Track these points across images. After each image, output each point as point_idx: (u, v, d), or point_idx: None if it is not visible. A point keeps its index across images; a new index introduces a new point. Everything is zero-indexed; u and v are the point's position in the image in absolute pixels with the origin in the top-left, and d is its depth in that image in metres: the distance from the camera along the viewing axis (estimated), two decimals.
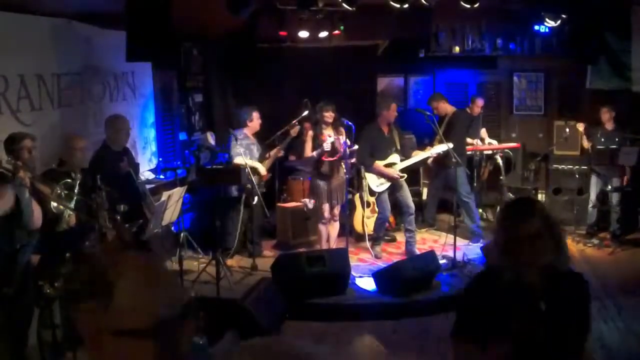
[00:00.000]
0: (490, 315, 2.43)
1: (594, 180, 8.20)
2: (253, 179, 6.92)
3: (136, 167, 6.34)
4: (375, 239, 7.53)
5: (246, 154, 7.07)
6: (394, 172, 7.21)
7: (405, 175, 7.31)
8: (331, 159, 7.00)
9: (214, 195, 7.16)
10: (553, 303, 2.44)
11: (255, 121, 7.29)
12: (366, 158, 7.24)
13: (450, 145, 7.28)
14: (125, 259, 1.26)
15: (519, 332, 2.40)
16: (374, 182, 7.28)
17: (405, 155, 7.36)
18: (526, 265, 2.41)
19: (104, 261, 1.25)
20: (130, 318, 1.16)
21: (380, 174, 7.23)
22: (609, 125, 8.14)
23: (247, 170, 6.83)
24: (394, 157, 7.28)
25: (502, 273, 2.45)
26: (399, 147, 7.35)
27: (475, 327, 2.47)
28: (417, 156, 7.43)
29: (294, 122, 7.57)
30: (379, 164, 7.21)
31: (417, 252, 7.30)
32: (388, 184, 7.25)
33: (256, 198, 7.11)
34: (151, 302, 1.19)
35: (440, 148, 7.40)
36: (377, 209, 8.02)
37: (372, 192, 7.32)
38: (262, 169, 7.22)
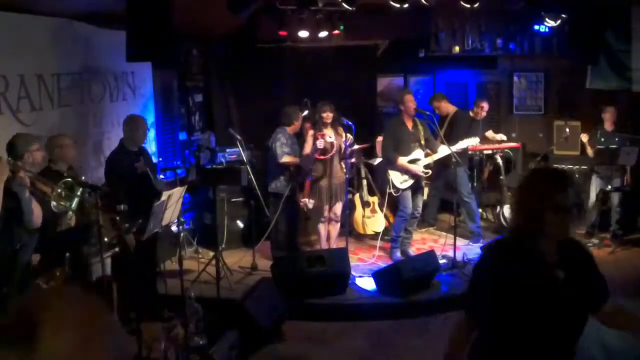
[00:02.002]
0: (505, 288, 2.40)
1: (594, 180, 8.20)
2: (299, 178, 7.21)
3: (153, 167, 6.36)
4: (394, 240, 7.34)
5: (290, 153, 7.18)
6: (418, 168, 7.06)
7: (430, 172, 7.20)
8: (322, 157, 6.98)
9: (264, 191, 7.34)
10: (570, 271, 2.44)
11: (300, 121, 7.38)
12: (390, 153, 7.08)
13: (477, 139, 7.34)
14: (57, 304, 1.06)
15: (539, 303, 2.38)
16: (398, 179, 7.09)
17: (430, 150, 7.18)
18: (553, 236, 2.39)
19: (33, 303, 1.06)
20: None
21: (405, 171, 7.06)
22: (609, 126, 8.13)
23: (247, 169, 6.88)
24: (418, 153, 7.11)
25: (521, 242, 2.43)
26: (423, 142, 7.16)
27: (487, 305, 2.45)
28: (441, 152, 7.19)
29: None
30: (403, 160, 7.05)
31: (412, 252, 7.29)
32: (412, 181, 7.09)
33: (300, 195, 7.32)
34: None
35: (466, 143, 7.29)
36: (377, 210, 8.03)
37: (395, 189, 7.12)
38: None
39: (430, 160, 7.14)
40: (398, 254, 7.27)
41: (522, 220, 2.44)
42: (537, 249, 2.41)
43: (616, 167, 7.91)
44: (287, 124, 7.28)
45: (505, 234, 2.68)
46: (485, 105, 8.47)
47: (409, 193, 7.15)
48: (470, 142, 7.36)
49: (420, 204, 7.39)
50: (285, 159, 7.13)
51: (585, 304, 2.45)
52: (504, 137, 8.78)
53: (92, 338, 1.03)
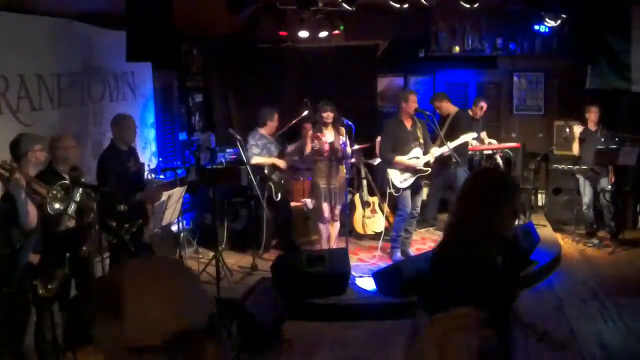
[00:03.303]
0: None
1: (581, 181, 8.20)
2: (273, 177, 7.20)
3: (142, 167, 6.36)
4: (394, 240, 7.29)
5: (263, 153, 7.19)
6: (418, 162, 7.00)
7: (429, 170, 7.16)
8: (319, 158, 6.99)
9: (237, 193, 7.41)
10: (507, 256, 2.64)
11: (274, 122, 7.39)
12: (388, 153, 7.04)
13: (475, 134, 7.33)
14: (137, 269, 1.19)
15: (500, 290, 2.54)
16: (397, 178, 7.02)
17: (427, 149, 7.12)
18: (502, 234, 2.56)
19: (114, 274, 1.20)
20: (145, 334, 1.11)
21: (404, 167, 6.99)
22: (592, 126, 8.13)
23: (247, 169, 6.88)
24: (417, 151, 7.05)
25: (469, 244, 2.52)
26: (421, 141, 7.10)
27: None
28: (440, 149, 7.21)
29: (293, 122, 7.59)
30: (401, 157, 6.99)
31: (412, 252, 7.28)
32: (412, 180, 7.03)
33: (279, 195, 7.27)
34: (166, 316, 1.12)
35: (465, 138, 7.29)
36: (377, 210, 8.03)
37: (395, 189, 7.06)
38: (282, 163, 7.34)
39: (429, 157, 7.09)
40: (398, 254, 7.25)
41: (474, 223, 2.52)
42: (483, 247, 2.53)
43: (600, 168, 7.95)
44: (260, 124, 7.32)
45: (448, 237, 2.71)
46: (484, 105, 8.48)
47: (408, 192, 7.12)
48: (468, 137, 7.35)
49: (419, 204, 7.37)
50: (255, 160, 7.16)
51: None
52: (494, 142, 8.83)
53: (176, 296, 1.15)
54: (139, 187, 5.99)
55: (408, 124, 7.09)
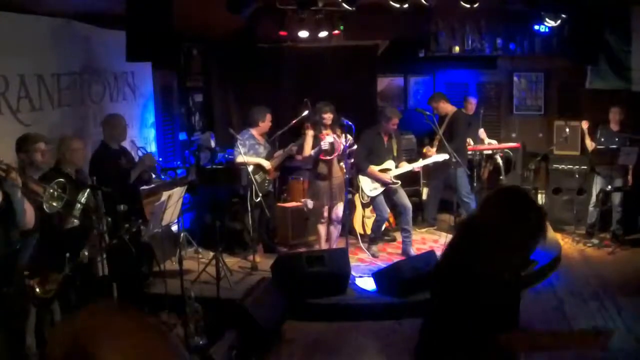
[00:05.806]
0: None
1: (597, 180, 8.18)
2: (256, 177, 7.03)
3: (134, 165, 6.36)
4: (372, 240, 7.54)
5: (250, 153, 7.13)
6: (388, 177, 7.22)
7: (399, 182, 7.30)
8: (327, 158, 6.98)
9: (221, 194, 7.34)
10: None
11: (266, 122, 7.31)
12: (363, 161, 7.26)
13: (446, 156, 7.38)
14: (107, 323, 1.07)
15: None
16: (368, 187, 7.30)
17: (398, 163, 7.33)
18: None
19: (81, 331, 1.05)
20: None
21: (375, 179, 7.24)
22: (615, 126, 8.12)
23: (247, 169, 6.86)
24: (389, 163, 7.28)
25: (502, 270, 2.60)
26: (395, 154, 7.32)
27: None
28: (412, 164, 7.44)
29: (293, 122, 7.57)
30: (374, 168, 7.22)
31: (414, 252, 7.29)
32: (380, 190, 7.26)
33: (259, 196, 7.10)
34: None
35: (438, 157, 7.44)
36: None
37: (366, 196, 7.37)
38: (267, 164, 7.22)
39: (400, 171, 7.29)
40: (374, 248, 7.47)
41: (517, 248, 2.59)
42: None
43: (618, 167, 7.92)
44: (251, 124, 7.28)
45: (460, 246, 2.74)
46: (471, 100, 8.59)
47: (381, 198, 7.31)
48: (439, 158, 7.43)
49: (406, 200, 7.36)
50: (239, 159, 7.07)
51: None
52: (495, 142, 8.86)
53: (142, 351, 1.04)
54: (131, 189, 5.96)
55: (385, 138, 7.29)
